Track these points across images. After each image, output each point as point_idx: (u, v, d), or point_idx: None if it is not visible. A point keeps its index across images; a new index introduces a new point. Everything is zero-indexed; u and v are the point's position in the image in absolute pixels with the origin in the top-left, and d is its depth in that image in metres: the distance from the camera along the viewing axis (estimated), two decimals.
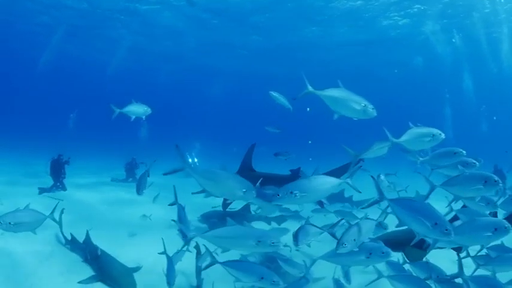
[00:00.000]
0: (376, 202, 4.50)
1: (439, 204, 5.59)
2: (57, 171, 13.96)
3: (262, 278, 4.30)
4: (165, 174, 5.78)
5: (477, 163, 5.28)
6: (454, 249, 5.09)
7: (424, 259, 5.14)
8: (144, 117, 8.13)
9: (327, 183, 4.34)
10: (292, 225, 8.06)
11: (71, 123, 31.67)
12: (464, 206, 5.36)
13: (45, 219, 5.34)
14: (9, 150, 22.66)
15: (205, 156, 23.55)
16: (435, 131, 5.11)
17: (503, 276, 4.92)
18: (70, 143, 21.85)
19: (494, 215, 5.20)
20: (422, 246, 5.17)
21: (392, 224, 6.04)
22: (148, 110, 8.04)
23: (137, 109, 7.96)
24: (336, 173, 8.19)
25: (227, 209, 9.76)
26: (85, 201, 12.51)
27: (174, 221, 5.19)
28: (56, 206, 5.68)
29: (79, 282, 6.17)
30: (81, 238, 7.61)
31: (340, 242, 4.13)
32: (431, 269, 4.85)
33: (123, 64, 37.12)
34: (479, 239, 4.43)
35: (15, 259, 6.86)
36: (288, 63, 34.29)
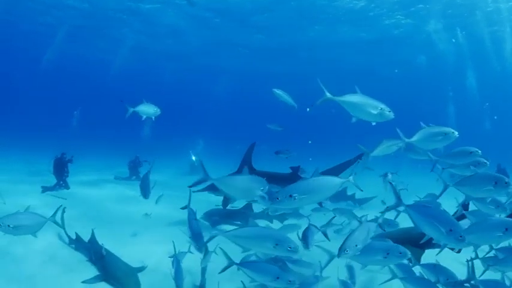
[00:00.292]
0: (394, 207, 4.55)
1: (449, 203, 5.63)
2: (61, 169, 13.97)
3: (278, 277, 4.34)
4: (190, 187, 6.34)
5: (488, 162, 5.32)
6: (451, 248, 5.10)
7: (434, 261, 5.12)
8: (153, 117, 8.25)
9: (327, 184, 4.29)
10: (292, 223, 8.12)
11: (75, 121, 31.78)
12: (463, 205, 5.39)
13: (45, 222, 5.22)
14: (13, 149, 22.70)
15: (208, 154, 23.60)
16: (448, 129, 5.13)
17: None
18: (73, 141, 21.94)
19: (510, 216, 5.20)
20: (421, 245, 5.21)
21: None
22: (158, 111, 8.17)
23: (148, 109, 8.09)
24: (334, 170, 8.25)
25: (230, 208, 9.83)
26: (88, 200, 12.53)
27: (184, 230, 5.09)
28: (58, 209, 5.55)
29: (83, 282, 6.14)
30: (84, 237, 7.60)
31: (342, 249, 4.11)
32: (441, 271, 4.83)
33: (126, 63, 37.18)
34: (490, 238, 4.49)
35: (18, 259, 6.83)
36: (290, 61, 34.35)
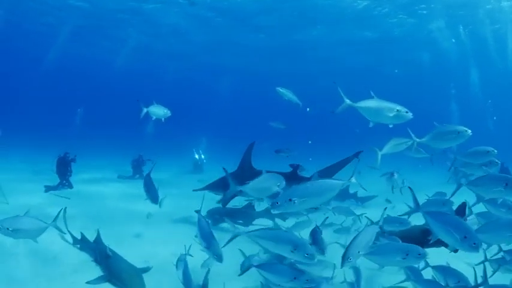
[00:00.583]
0: (412, 212, 4.71)
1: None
2: (64, 169, 13.98)
3: (295, 278, 4.35)
4: (222, 203, 6.88)
5: (499, 162, 5.36)
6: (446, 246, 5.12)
7: (445, 263, 5.13)
8: (163, 119, 8.45)
9: (327, 187, 4.28)
10: (293, 222, 8.13)
11: (78, 118, 31.90)
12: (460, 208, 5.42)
13: (47, 227, 5.16)
14: (18, 148, 22.75)
15: (211, 152, 23.68)
16: (461, 128, 5.16)
17: None
18: (77, 140, 22.00)
19: None
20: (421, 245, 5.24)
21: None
22: (168, 113, 8.40)
23: (158, 110, 8.33)
24: (332, 169, 8.30)
25: (232, 207, 9.87)
26: (92, 199, 12.54)
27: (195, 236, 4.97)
28: (59, 213, 5.48)
29: (87, 283, 6.12)
30: (87, 236, 7.58)
31: (345, 257, 4.09)
32: (452, 274, 4.81)
33: (129, 62, 37.31)
34: (502, 238, 4.53)
35: (21, 259, 6.77)
36: (292, 61, 34.38)
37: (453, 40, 27.26)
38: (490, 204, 5.11)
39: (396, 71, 33.76)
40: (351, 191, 13.12)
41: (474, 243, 3.95)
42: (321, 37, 28.98)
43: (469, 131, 5.13)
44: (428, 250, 4.58)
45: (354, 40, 29.12)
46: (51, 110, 48.80)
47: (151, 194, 5.99)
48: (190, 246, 5.83)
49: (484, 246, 4.73)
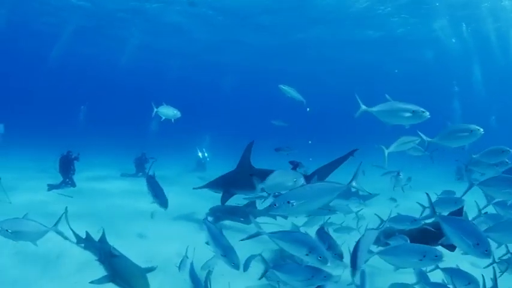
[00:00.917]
0: (427, 217, 4.74)
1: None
2: (67, 167, 13.95)
3: (312, 276, 4.37)
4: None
5: (510, 163, 5.40)
6: (445, 246, 5.15)
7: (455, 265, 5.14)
8: (173, 120, 8.56)
9: (325, 191, 4.30)
10: (292, 221, 8.18)
11: (82, 115, 31.99)
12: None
13: (47, 231, 5.07)
14: (22, 147, 22.82)
15: (215, 150, 23.71)
16: (473, 126, 5.16)
17: None
18: (80, 138, 22.08)
19: None
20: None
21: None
22: (178, 114, 8.51)
23: (168, 111, 8.47)
24: (327, 168, 8.35)
25: (235, 206, 9.96)
26: (95, 197, 12.54)
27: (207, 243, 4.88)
28: (60, 218, 5.35)
29: (90, 283, 6.08)
30: (89, 236, 7.57)
31: (357, 267, 4.10)
32: (462, 276, 4.79)
33: (132, 61, 37.40)
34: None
35: (23, 259, 6.67)
36: (293, 60, 34.40)
37: (453, 40, 27.17)
38: (499, 206, 5.17)
39: (396, 71, 33.70)
40: (353, 188, 13.11)
41: (486, 250, 4.01)
42: (323, 36, 28.95)
43: (481, 129, 5.14)
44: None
45: (357, 39, 29.09)
46: (55, 109, 48.94)
47: (160, 198, 5.84)
48: (193, 249, 5.83)
49: (494, 246, 4.77)
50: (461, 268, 4.98)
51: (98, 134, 32.98)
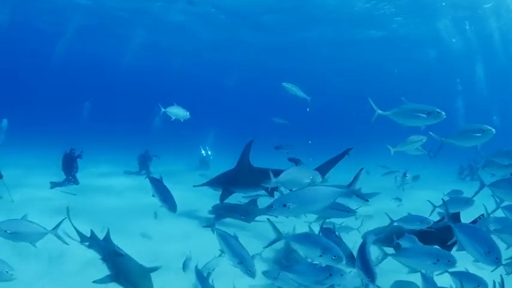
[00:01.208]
0: (443, 225, 4.87)
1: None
2: (70, 165, 13.94)
3: (330, 274, 4.33)
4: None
5: None
6: (445, 245, 5.17)
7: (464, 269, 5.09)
8: (182, 120, 8.64)
9: (323, 195, 4.26)
10: (294, 221, 8.20)
11: (86, 112, 32.04)
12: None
13: (46, 234, 5.01)
14: (27, 144, 22.86)
15: (218, 148, 23.76)
16: (485, 127, 5.19)
17: None
18: (85, 135, 22.12)
19: None
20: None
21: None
22: (188, 115, 8.59)
23: (178, 112, 8.56)
24: (322, 168, 8.41)
25: (237, 204, 10.04)
26: (97, 195, 12.54)
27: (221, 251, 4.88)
28: (61, 222, 5.26)
29: (94, 282, 6.04)
30: (93, 233, 7.56)
31: (374, 276, 4.07)
32: (472, 279, 4.69)
33: (136, 59, 37.51)
34: None
35: (25, 258, 6.52)
36: (295, 60, 34.43)
37: (453, 40, 27.17)
38: (508, 210, 5.15)
39: (396, 71, 33.70)
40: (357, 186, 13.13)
41: (496, 258, 4.08)
42: (325, 35, 28.97)
43: (493, 129, 5.17)
44: None
45: (359, 39, 29.10)
46: (59, 107, 49.07)
47: (169, 202, 5.83)
48: (197, 249, 5.90)
49: (503, 248, 4.75)
50: (464, 269, 4.95)
51: (102, 132, 33.09)
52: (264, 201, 9.24)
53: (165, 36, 31.90)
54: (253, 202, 9.69)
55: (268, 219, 5.09)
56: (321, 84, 36.67)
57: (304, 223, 7.52)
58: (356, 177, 4.56)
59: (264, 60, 36.60)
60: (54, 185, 13.27)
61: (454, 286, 4.71)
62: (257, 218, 9.33)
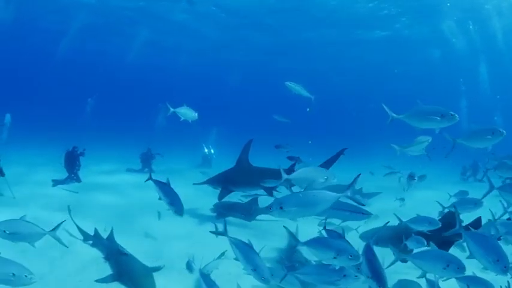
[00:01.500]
0: (454, 232, 4.79)
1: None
2: (72, 163, 13.91)
3: (345, 275, 4.34)
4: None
5: None
6: (445, 244, 5.18)
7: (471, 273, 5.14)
8: (190, 120, 8.76)
9: (321, 199, 4.26)
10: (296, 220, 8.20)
11: (89, 108, 32.09)
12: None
13: (44, 235, 4.95)
14: (30, 142, 22.91)
15: (221, 146, 23.77)
16: (495, 128, 5.21)
17: None
18: (86, 133, 22.15)
19: None
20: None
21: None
22: (196, 116, 8.72)
23: (187, 112, 8.70)
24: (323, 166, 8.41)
25: (238, 202, 10.06)
26: (99, 193, 12.50)
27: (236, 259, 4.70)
28: (60, 224, 5.17)
29: (96, 281, 6.02)
30: (97, 232, 7.55)
31: (385, 284, 4.05)
32: (480, 283, 4.63)
33: (140, 57, 37.59)
34: None
35: (27, 257, 6.16)
36: (296, 60, 34.44)
37: (453, 40, 27.13)
38: None
39: (396, 71, 33.66)
40: (356, 187, 13.14)
41: (505, 267, 4.09)
42: (329, 35, 28.97)
43: (504, 131, 5.17)
44: None
45: (363, 39, 29.09)
46: (63, 105, 49.22)
47: (176, 205, 5.79)
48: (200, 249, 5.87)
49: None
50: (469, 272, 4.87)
51: (105, 129, 33.16)
52: (264, 200, 9.27)
53: (169, 34, 31.93)
54: (254, 201, 9.71)
55: (284, 226, 4.94)
56: (324, 83, 36.70)
57: (305, 223, 7.51)
58: (353, 182, 4.54)
59: (268, 60, 36.61)
60: (56, 182, 13.24)
61: None
62: (258, 217, 9.37)
